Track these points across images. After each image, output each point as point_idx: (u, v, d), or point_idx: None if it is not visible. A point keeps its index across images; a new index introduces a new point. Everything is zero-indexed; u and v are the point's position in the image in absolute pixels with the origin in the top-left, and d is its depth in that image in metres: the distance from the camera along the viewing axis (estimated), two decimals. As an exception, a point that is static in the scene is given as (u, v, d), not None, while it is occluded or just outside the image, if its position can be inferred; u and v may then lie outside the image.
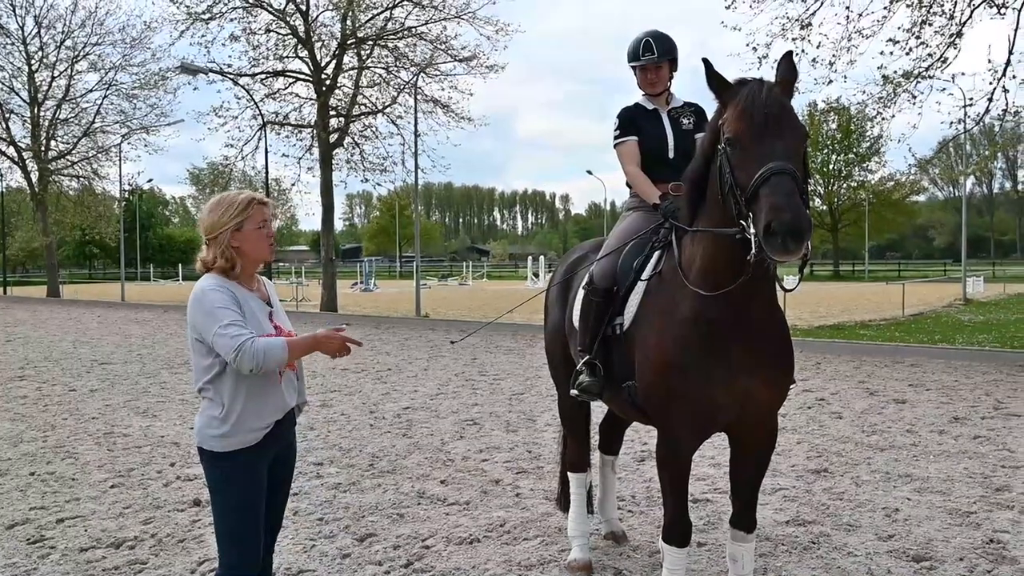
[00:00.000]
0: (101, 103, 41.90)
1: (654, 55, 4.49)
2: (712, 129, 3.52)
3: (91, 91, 42.25)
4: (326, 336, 3.22)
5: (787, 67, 3.38)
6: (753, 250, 3.08)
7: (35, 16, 40.17)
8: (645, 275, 4.02)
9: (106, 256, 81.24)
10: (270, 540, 3.54)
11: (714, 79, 3.44)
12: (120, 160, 41.65)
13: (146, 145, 42.83)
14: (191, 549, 5.12)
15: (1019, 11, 15.73)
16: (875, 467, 6.95)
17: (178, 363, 14.41)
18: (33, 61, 41.00)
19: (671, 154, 4.53)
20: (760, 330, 3.59)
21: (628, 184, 4.68)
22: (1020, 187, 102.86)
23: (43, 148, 41.97)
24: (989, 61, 15.99)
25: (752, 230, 3.07)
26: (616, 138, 4.63)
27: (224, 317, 3.08)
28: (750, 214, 3.09)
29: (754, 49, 17.22)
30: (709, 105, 4.43)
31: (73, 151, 43.01)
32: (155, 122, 41.75)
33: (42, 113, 42.00)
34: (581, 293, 4.43)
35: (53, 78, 41.46)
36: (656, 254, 4.05)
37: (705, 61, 3.46)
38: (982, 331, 19.08)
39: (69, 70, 41.38)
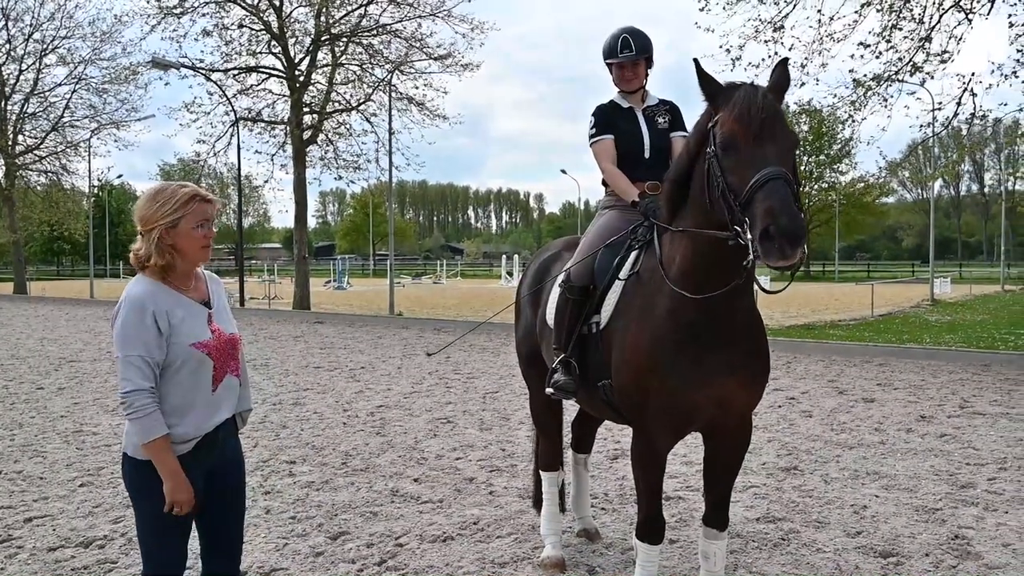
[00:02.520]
0: (70, 97, 41.29)
1: (632, 52, 4.46)
2: (700, 131, 3.49)
3: (60, 85, 41.63)
4: (180, 488, 2.96)
5: (781, 74, 3.39)
6: (750, 256, 3.08)
7: (2, 8, 39.52)
8: (623, 274, 4.03)
9: (75, 252, 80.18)
10: (232, 558, 3.32)
11: (705, 81, 3.42)
12: (89, 155, 41.12)
13: (116, 140, 42.25)
14: (162, 548, 5.07)
15: (987, 17, 16.00)
16: (844, 465, 7.04)
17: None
18: (0, 54, 40.37)
19: (647, 153, 4.53)
20: (737, 331, 3.62)
21: (604, 182, 4.68)
22: (987, 190, 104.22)
23: (10, 143, 41.26)
24: (991, 61, 16.15)
25: (749, 235, 3.05)
26: (592, 136, 4.61)
27: (130, 347, 2.89)
28: (744, 219, 3.08)
29: (727, 51, 17.36)
30: (682, 103, 4.47)
31: (41, 146, 42.34)
32: (125, 117, 41.19)
33: (9, 107, 41.33)
34: (556, 291, 4.42)
35: (21, 72, 40.81)
36: (634, 253, 4.06)
37: (696, 62, 3.43)
38: (949, 331, 19.36)
39: (37, 63, 40.72)
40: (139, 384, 2.88)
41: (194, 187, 3.09)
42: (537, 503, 5.35)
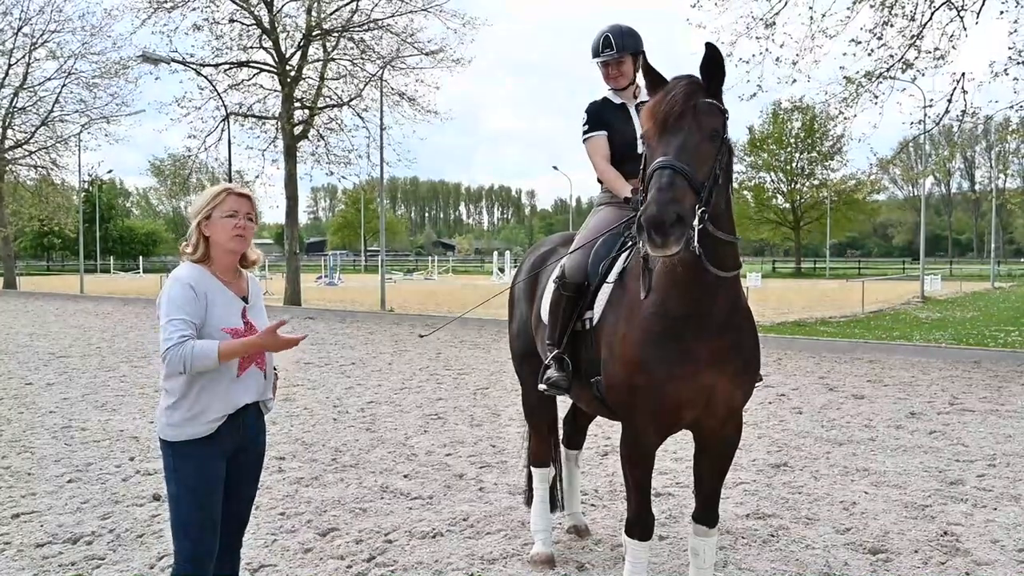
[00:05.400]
0: (60, 92, 41.09)
1: (613, 51, 4.48)
2: None
3: (49, 79, 41.41)
4: (262, 342, 3.20)
5: (707, 56, 3.32)
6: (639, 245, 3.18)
7: (-10, 2, 39.29)
8: (615, 271, 4.03)
9: (65, 248, 79.87)
10: (236, 536, 3.53)
11: (649, 75, 3.48)
12: (79, 150, 40.95)
13: (106, 135, 42.12)
14: (150, 544, 5.06)
15: (978, 15, 16.03)
16: (833, 461, 7.06)
17: (138, 356, 14.21)
18: (-11, 48, 40.11)
19: (639, 149, 4.53)
20: (726, 327, 3.59)
21: (599, 179, 4.67)
22: (977, 187, 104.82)
23: (-1, 137, 41.11)
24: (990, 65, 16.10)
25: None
26: (585, 133, 4.62)
27: (173, 313, 3.12)
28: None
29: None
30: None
31: (31, 140, 42.16)
32: (116, 112, 41.08)
33: (-2, 101, 41.14)
34: (551, 287, 4.41)
35: (10, 65, 40.57)
36: (626, 250, 4.06)
37: (643, 55, 3.51)
38: (939, 328, 19.43)
39: (27, 57, 40.49)
40: (173, 340, 3.07)
41: (229, 184, 3.40)
42: (530, 501, 5.35)
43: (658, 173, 3.10)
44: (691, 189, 3.09)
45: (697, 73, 3.36)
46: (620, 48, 4.48)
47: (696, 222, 3.10)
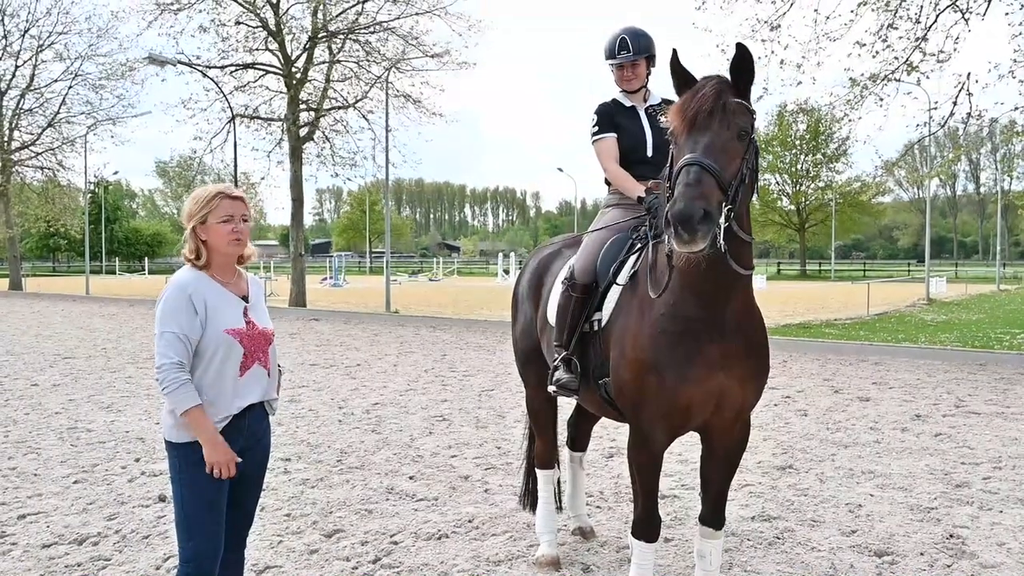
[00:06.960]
0: (66, 93, 41.23)
1: (630, 53, 4.48)
2: None
3: (56, 81, 41.55)
4: (217, 451, 3.17)
5: (737, 57, 3.35)
6: (668, 242, 3.17)
7: (-2, 4, 39.44)
8: (625, 272, 4.03)
9: (71, 249, 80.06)
10: (240, 536, 3.54)
11: (677, 73, 3.45)
12: (86, 151, 41.05)
13: (112, 136, 42.30)
14: (155, 545, 5.07)
15: (983, 17, 15.99)
16: (839, 463, 7.05)
17: (143, 358, 14.23)
18: (-5, 50, 40.25)
19: (649, 152, 4.53)
20: (736, 329, 3.59)
21: (606, 181, 4.67)
22: (983, 190, 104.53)
23: (6, 139, 41.20)
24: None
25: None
26: (594, 135, 4.61)
27: (167, 324, 3.15)
28: None
29: (723, 51, 17.36)
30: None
31: (37, 142, 42.29)
32: (122, 113, 41.39)
33: (5, 103, 41.26)
34: (559, 288, 4.41)
35: (17, 67, 40.76)
36: (636, 251, 4.06)
37: (673, 52, 3.46)
38: (944, 330, 19.37)
39: (34, 59, 40.68)
40: (169, 357, 3.13)
41: (220, 186, 3.35)
42: (524, 501, 5.36)
43: (686, 170, 3.10)
44: (718, 187, 3.11)
45: (708, 72, 3.38)
46: (636, 50, 4.48)
47: (722, 220, 3.12)
